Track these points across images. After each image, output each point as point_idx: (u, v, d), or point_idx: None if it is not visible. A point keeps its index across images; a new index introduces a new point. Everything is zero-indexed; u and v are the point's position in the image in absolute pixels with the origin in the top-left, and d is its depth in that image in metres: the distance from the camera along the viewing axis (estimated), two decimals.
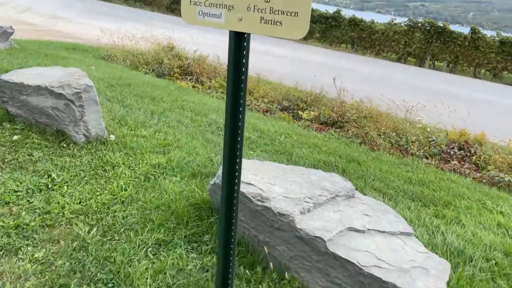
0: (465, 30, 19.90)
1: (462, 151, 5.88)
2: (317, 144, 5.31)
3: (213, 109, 6.18)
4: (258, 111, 7.25)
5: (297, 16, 1.33)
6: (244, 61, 1.53)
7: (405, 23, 20.20)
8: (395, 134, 6.39)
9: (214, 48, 10.19)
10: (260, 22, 1.42)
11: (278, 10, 1.37)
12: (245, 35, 1.50)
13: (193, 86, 8.39)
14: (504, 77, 19.01)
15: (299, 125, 6.59)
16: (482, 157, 5.68)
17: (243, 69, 1.54)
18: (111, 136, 3.83)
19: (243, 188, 2.40)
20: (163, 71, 8.91)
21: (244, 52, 1.52)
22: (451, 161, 5.56)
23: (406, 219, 3.39)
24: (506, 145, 6.26)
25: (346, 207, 2.46)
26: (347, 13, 23.07)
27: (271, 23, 1.40)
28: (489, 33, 19.02)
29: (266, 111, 7.33)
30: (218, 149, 4.33)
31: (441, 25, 19.12)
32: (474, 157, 5.75)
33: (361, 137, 6.20)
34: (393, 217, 2.46)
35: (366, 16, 23.47)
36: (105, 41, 10.92)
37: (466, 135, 6.18)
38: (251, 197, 2.39)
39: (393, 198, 3.89)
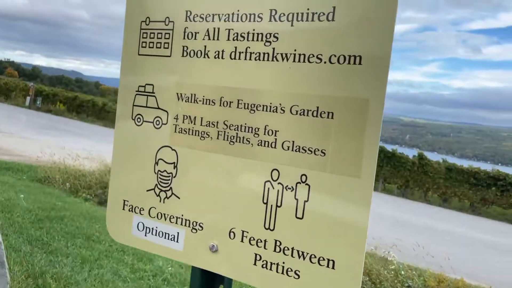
0: (404, 151, 21.17)
1: None
2: None
3: None
4: None
5: (333, 268, 0.65)
6: None
7: None
8: (368, 279, 5.67)
9: None
10: (255, 264, 0.71)
11: (293, 249, 0.66)
12: (223, 279, 0.79)
13: None
14: (452, 202, 19.51)
15: None
16: None
17: None
18: None
19: None
20: (107, 196, 7.97)
21: None
22: None
23: None
24: None
25: None
26: None
27: (277, 271, 0.68)
28: (433, 157, 20.06)
29: None
30: None
31: (390, 150, 19.98)
32: None
33: None
34: None
35: None
36: (46, 159, 9.96)
37: (446, 282, 5.58)
38: None
39: None
